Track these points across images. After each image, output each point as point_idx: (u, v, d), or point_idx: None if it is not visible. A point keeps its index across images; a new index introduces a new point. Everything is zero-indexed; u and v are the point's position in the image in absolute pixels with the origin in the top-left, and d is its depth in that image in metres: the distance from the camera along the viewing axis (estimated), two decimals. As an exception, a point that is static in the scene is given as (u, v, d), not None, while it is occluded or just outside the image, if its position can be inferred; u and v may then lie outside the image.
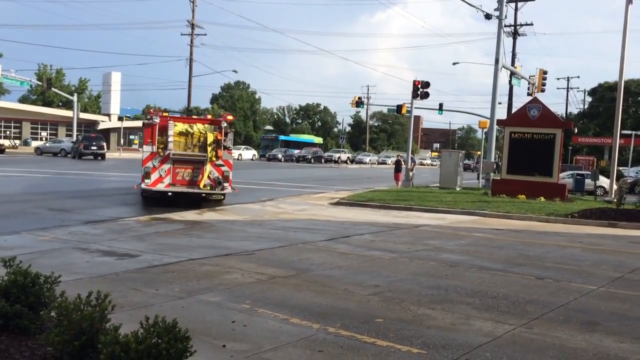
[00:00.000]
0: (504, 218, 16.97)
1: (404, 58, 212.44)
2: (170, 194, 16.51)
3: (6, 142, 55.97)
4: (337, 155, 70.27)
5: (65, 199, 17.21)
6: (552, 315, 6.61)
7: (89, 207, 15.37)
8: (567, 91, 69.28)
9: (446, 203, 19.52)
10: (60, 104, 74.46)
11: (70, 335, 3.83)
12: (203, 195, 17.03)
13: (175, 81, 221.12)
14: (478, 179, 33.88)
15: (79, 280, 7.14)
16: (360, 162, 71.96)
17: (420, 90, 30.52)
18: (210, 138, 16.55)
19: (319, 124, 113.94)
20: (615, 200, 20.47)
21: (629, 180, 27.60)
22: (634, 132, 42.40)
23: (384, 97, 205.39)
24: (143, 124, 18.06)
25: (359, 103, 49.01)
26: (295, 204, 18.78)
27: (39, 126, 65.16)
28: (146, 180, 16.18)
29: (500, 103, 34.71)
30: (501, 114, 35.02)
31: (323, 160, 67.15)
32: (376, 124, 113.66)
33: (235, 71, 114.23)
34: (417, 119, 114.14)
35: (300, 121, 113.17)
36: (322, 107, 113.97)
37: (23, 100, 74.34)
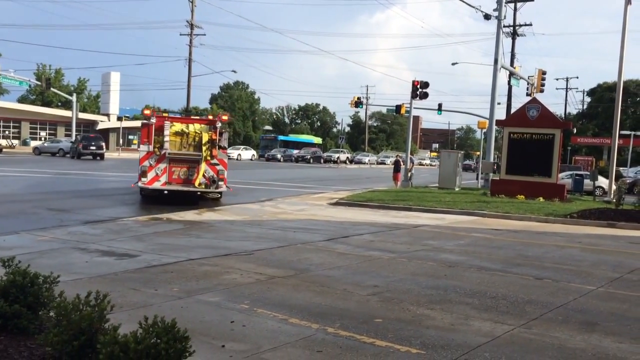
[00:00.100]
0: (503, 218, 16.97)
1: (403, 58, 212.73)
2: (166, 192, 16.99)
3: (3, 142, 55.92)
4: (336, 155, 70.26)
5: (64, 199, 17.20)
6: (551, 315, 6.62)
7: (88, 207, 15.37)
8: (566, 91, 69.40)
9: (445, 203, 19.53)
10: (60, 104, 74.42)
11: (69, 335, 3.83)
12: (198, 193, 17.43)
13: (175, 81, 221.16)
14: (477, 179, 33.90)
15: (78, 281, 7.14)
16: (360, 162, 71.99)
17: (420, 90, 30.54)
18: (205, 138, 16.96)
19: (318, 124, 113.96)
20: (614, 200, 20.48)
21: (627, 181, 27.65)
22: (632, 133, 42.41)
23: (383, 98, 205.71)
24: (141, 124, 18.33)
25: (358, 103, 48.99)
26: (295, 204, 18.78)
27: (38, 126, 65.14)
28: (143, 179, 16.65)
29: (499, 103, 34.69)
30: (500, 114, 35.02)
31: (322, 161, 67.16)
32: (375, 124, 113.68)
33: (234, 71, 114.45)
34: (416, 119, 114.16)
35: (300, 121, 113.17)
36: (321, 107, 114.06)
37: (22, 100, 74.30)
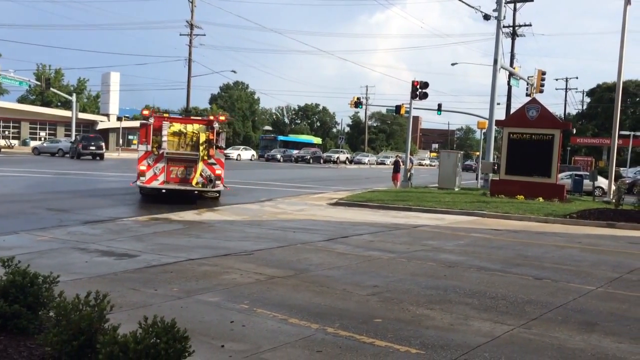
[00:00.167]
0: (502, 218, 16.98)
1: (402, 58, 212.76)
2: (164, 190, 17.26)
3: (1, 142, 55.88)
4: (336, 155, 70.24)
5: (63, 199, 17.20)
6: (551, 315, 6.62)
7: (87, 207, 15.37)
8: (566, 92, 69.41)
9: (445, 203, 19.53)
10: (59, 104, 74.42)
11: (68, 335, 3.83)
12: (195, 192, 17.66)
13: (174, 81, 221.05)
14: (477, 179, 33.90)
15: (77, 281, 7.14)
16: (359, 162, 72.01)
17: (419, 90, 30.53)
18: (203, 138, 17.23)
19: (318, 124, 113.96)
20: (613, 200, 20.49)
21: (627, 181, 27.69)
22: (632, 133, 42.43)
23: (383, 98, 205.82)
24: (140, 124, 18.58)
25: (357, 103, 48.96)
26: (294, 204, 18.78)
27: (38, 126, 65.11)
28: (141, 178, 16.97)
29: (499, 104, 34.69)
30: (500, 114, 35.03)
31: (322, 161, 67.16)
32: (375, 125, 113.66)
33: (234, 71, 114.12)
34: (416, 119, 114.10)
35: (299, 121, 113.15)
36: (320, 107, 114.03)
37: (22, 100, 74.28)
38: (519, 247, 11.85)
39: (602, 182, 28.96)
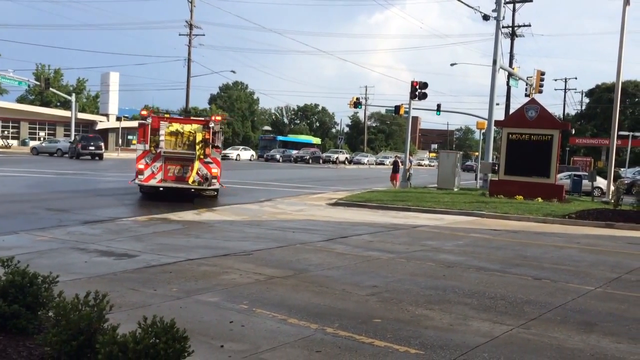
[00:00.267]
0: (501, 219, 16.99)
1: (402, 59, 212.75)
2: (161, 189, 17.70)
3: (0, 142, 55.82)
4: (335, 155, 70.25)
5: (63, 199, 17.19)
6: (550, 315, 6.63)
7: (87, 207, 15.36)
8: (565, 92, 69.48)
9: (444, 204, 19.54)
10: (59, 104, 74.37)
11: (68, 335, 3.83)
12: (192, 190, 18.03)
13: (174, 81, 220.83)
14: (476, 179, 33.92)
15: (77, 281, 7.14)
16: (358, 162, 72.03)
17: (418, 91, 30.54)
18: (199, 137, 17.63)
19: (317, 124, 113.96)
20: (612, 201, 20.51)
21: (626, 181, 27.62)
22: (631, 134, 42.37)
23: (382, 98, 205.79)
24: (138, 124, 18.95)
25: (357, 104, 48.94)
26: (293, 204, 18.79)
27: (37, 126, 65.06)
28: (140, 176, 17.40)
29: (498, 104, 34.74)
30: (499, 114, 35.08)
31: (321, 161, 67.17)
32: (374, 125, 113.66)
33: (233, 71, 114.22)
34: (415, 119, 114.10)
35: (299, 122, 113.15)
36: (320, 107, 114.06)
37: (21, 100, 74.21)
38: (518, 248, 11.86)
39: (601, 182, 28.97)
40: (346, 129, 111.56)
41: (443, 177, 28.09)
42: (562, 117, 66.30)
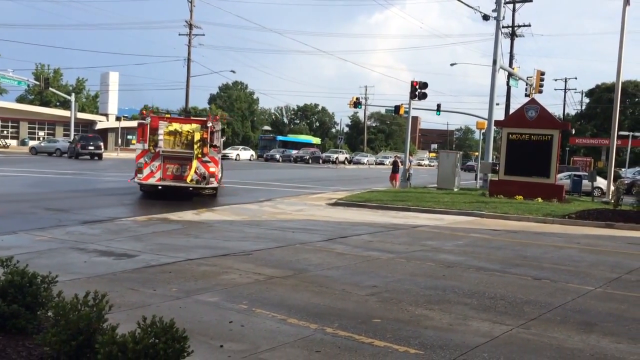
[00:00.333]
0: (501, 219, 16.98)
1: (402, 59, 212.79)
2: (160, 187, 17.93)
3: None
4: (335, 155, 70.24)
5: (62, 198, 17.19)
6: (550, 315, 6.62)
7: (86, 207, 15.36)
8: (565, 92, 69.50)
9: (444, 204, 19.54)
10: (58, 103, 74.35)
11: (67, 335, 3.82)
12: (190, 189, 18.24)
13: (174, 81, 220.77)
14: (476, 179, 33.92)
15: (76, 280, 7.13)
16: (358, 162, 72.03)
17: (418, 90, 30.54)
18: (197, 137, 17.88)
19: (317, 124, 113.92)
20: (612, 201, 20.51)
21: (626, 182, 27.63)
22: (631, 134, 42.41)
23: (382, 98, 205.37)
24: (137, 123, 19.28)
25: (356, 104, 48.96)
26: (293, 204, 18.78)
27: (37, 126, 65.05)
28: (139, 175, 17.69)
29: (498, 104, 34.75)
30: (499, 114, 35.06)
31: (321, 161, 67.17)
32: (374, 125, 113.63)
33: (233, 71, 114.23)
34: (415, 119, 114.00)
35: (298, 121, 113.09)
36: (320, 107, 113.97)
37: (20, 100, 74.20)
38: (517, 248, 11.85)
39: (601, 182, 28.98)
40: (346, 129, 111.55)
41: (443, 177, 28.08)
42: (562, 117, 66.31)
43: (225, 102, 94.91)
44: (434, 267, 9.24)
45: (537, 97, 33.35)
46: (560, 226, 16.05)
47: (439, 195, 23.33)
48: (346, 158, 72.48)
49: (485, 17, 29.29)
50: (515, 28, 42.08)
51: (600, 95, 67.25)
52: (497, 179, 24.08)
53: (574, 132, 56.87)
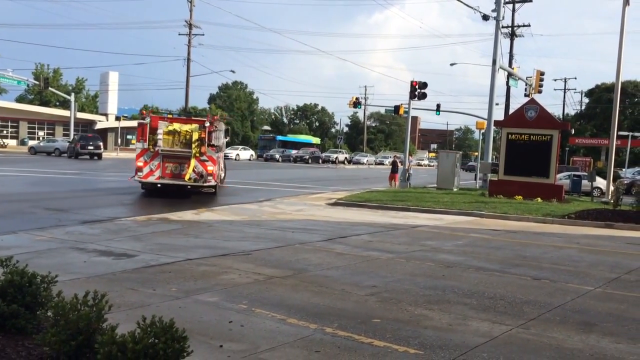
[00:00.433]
0: (501, 219, 16.99)
1: (401, 59, 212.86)
2: (159, 185, 18.41)
3: None
4: (335, 155, 70.24)
5: (62, 198, 17.18)
6: (549, 315, 6.63)
7: (86, 206, 15.35)
8: (564, 92, 69.56)
9: (443, 204, 19.54)
10: (58, 103, 74.29)
11: (67, 335, 3.82)
12: (189, 187, 18.65)
13: (173, 81, 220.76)
14: (475, 179, 33.93)
15: (75, 280, 7.13)
16: (358, 162, 72.05)
17: (418, 90, 30.54)
18: (195, 136, 18.29)
19: (317, 124, 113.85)
20: (612, 201, 20.51)
21: (625, 182, 27.66)
22: (630, 134, 42.40)
23: (382, 98, 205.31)
24: (137, 123, 19.69)
25: (356, 103, 48.96)
26: (293, 204, 18.78)
27: (36, 126, 65.03)
28: (139, 173, 18.20)
29: (497, 104, 34.78)
30: (499, 114, 35.11)
31: (320, 161, 67.18)
32: (374, 125, 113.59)
33: (232, 71, 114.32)
34: (415, 119, 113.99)
35: (298, 121, 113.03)
36: (319, 107, 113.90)
37: (20, 99, 74.14)
38: (517, 248, 11.86)
39: (600, 182, 28.99)
40: (345, 129, 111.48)
41: (442, 177, 28.08)
42: (561, 117, 66.34)
43: (225, 102, 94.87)
44: (433, 267, 9.24)
45: (537, 97, 33.41)
46: (560, 226, 16.05)
47: (439, 195, 23.33)
48: (346, 158, 72.49)
49: (485, 17, 29.30)
50: (515, 28, 42.12)
51: (599, 96, 67.28)
52: (496, 179, 24.09)
53: (573, 132, 56.87)
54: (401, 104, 38.88)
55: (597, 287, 8.34)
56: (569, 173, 32.82)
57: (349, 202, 19.66)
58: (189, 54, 53.33)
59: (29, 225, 11.69)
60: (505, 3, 32.23)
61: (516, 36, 42.19)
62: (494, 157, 39.11)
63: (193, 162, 18.10)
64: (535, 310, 6.79)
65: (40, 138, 61.00)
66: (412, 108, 32.55)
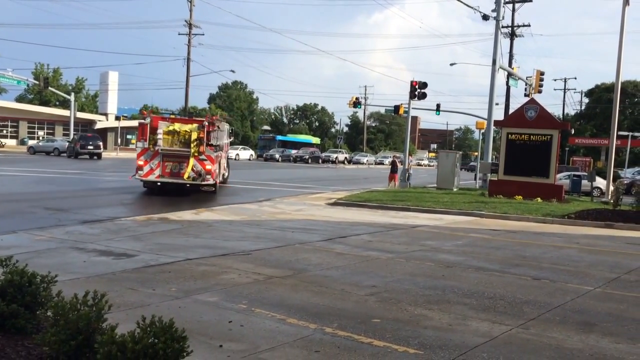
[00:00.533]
0: (500, 219, 16.99)
1: (401, 59, 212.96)
2: (159, 183, 18.85)
3: None
4: (335, 155, 70.26)
5: (61, 198, 17.18)
6: (549, 315, 6.63)
7: (85, 206, 15.35)
8: (564, 92, 69.53)
9: (443, 204, 19.54)
10: (57, 103, 74.24)
11: (66, 335, 3.82)
12: (187, 185, 19.07)
13: (173, 81, 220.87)
14: (475, 179, 33.93)
15: (75, 280, 7.13)
16: (358, 162, 72.04)
17: (418, 90, 30.54)
18: (194, 136, 18.70)
19: (317, 124, 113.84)
20: (611, 201, 20.51)
21: (625, 182, 27.64)
22: (630, 134, 42.41)
23: (382, 98, 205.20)
24: (138, 123, 20.12)
25: (356, 103, 48.94)
26: (293, 204, 18.78)
27: (36, 125, 65.02)
28: (139, 172, 18.67)
29: (497, 104, 34.77)
30: (498, 114, 35.11)
31: (320, 161, 67.17)
32: (374, 125, 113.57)
33: (232, 71, 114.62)
34: (415, 119, 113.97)
35: (298, 121, 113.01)
36: (319, 107, 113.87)
37: (20, 99, 74.08)
38: (517, 248, 11.86)
39: (600, 182, 28.98)
40: (345, 129, 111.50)
41: (442, 177, 28.08)
42: (561, 117, 66.32)
43: (225, 101, 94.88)
44: (433, 267, 9.24)
45: (537, 97, 33.41)
46: (560, 226, 16.05)
47: (439, 195, 23.33)
48: (345, 158, 72.48)
49: (485, 17, 29.29)
50: (515, 28, 42.12)
51: (599, 96, 67.28)
52: (496, 179, 24.08)
53: (573, 132, 56.88)
54: (401, 104, 38.87)
55: (597, 287, 8.34)
56: (569, 173, 32.83)
57: (349, 202, 19.66)
58: (188, 53, 53.33)
59: (28, 225, 11.69)
60: (505, 3, 32.24)
61: (516, 36, 42.21)
62: (494, 157, 39.16)
63: (192, 161, 18.46)
64: (535, 310, 6.79)
65: (40, 138, 60.99)
66: (412, 108, 32.55)
